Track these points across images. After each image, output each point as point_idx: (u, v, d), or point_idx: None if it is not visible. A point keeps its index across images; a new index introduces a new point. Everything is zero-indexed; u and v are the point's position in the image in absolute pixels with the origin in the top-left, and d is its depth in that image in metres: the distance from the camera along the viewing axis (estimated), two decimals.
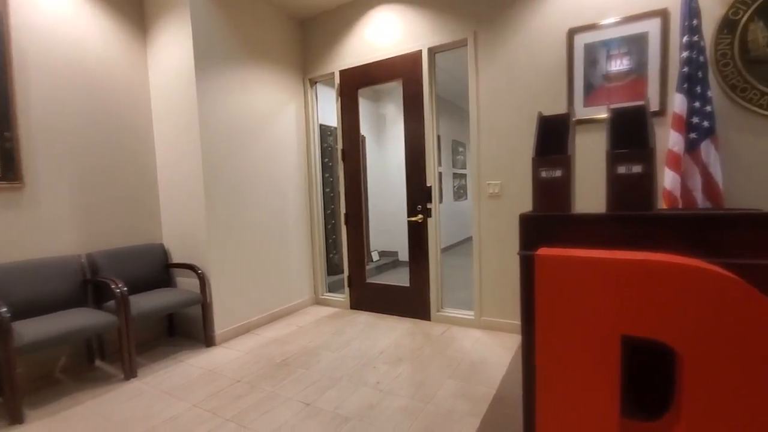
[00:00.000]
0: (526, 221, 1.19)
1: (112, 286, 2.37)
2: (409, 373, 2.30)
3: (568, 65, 2.52)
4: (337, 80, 3.48)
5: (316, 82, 3.72)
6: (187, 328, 3.04)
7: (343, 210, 3.59)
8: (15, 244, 2.34)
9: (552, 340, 0.95)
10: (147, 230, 3.02)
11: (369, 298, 3.50)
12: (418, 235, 3.19)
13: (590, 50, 2.45)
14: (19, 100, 2.36)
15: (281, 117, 3.45)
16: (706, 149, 2.08)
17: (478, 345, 2.65)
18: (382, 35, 3.21)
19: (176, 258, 3.05)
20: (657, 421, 0.86)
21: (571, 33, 2.49)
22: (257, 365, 2.49)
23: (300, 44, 3.66)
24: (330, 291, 3.94)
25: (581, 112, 2.50)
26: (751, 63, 2.07)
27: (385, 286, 3.42)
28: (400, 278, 4.93)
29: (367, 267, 3.70)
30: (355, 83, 3.40)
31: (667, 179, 2.10)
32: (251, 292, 3.16)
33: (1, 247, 2.29)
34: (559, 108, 2.57)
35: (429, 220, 3.13)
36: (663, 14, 2.25)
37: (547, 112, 2.61)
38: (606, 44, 2.41)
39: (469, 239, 8.36)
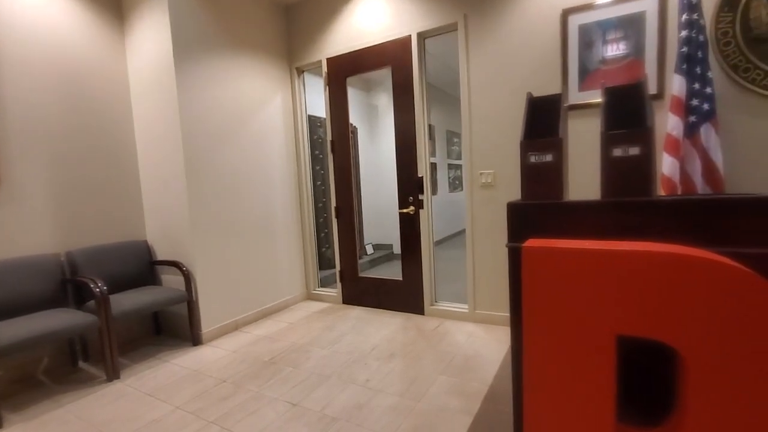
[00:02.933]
0: (513, 210, 1.10)
1: (92, 286, 2.28)
2: (401, 369, 2.23)
3: (562, 48, 2.41)
4: (324, 68, 3.36)
5: (303, 71, 3.60)
6: (173, 327, 2.96)
7: (333, 203, 3.50)
8: None
9: (540, 339, 0.87)
10: (130, 227, 2.92)
11: (361, 292, 3.42)
12: (410, 227, 3.11)
13: (585, 32, 2.34)
14: None
15: (267, 108, 3.34)
16: (706, 133, 1.99)
17: (471, 339, 2.58)
18: (370, 20, 3.09)
19: (161, 255, 2.95)
20: (658, 428, 0.79)
21: (565, 14, 2.38)
22: (244, 364, 2.42)
23: (285, 32, 3.54)
24: (323, 286, 3.86)
25: (576, 96, 2.41)
26: (754, 41, 1.98)
27: (378, 280, 3.34)
28: (394, 272, 4.86)
29: (361, 261, 3.62)
30: (343, 71, 3.28)
31: (666, 165, 2.01)
32: (239, 289, 3.08)
33: None
34: (553, 92, 2.47)
35: (421, 211, 3.04)
36: None
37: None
38: (601, 25, 2.30)
39: (463, 231, 8.28)
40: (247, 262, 3.15)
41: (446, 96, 6.87)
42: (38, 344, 1.99)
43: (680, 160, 1.99)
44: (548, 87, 2.49)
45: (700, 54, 1.97)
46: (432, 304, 3.09)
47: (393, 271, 4.79)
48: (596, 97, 2.34)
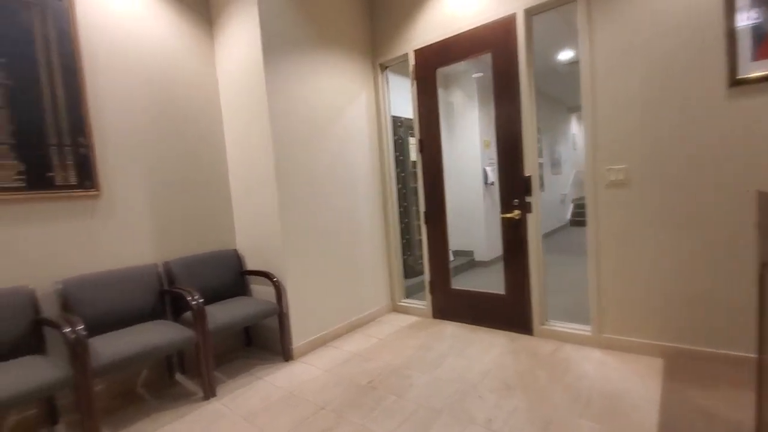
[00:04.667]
0: None
1: (188, 298, 2.20)
2: (526, 407, 1.86)
3: (727, 6, 1.90)
4: (411, 61, 3.09)
5: (386, 67, 3.36)
6: (263, 340, 2.86)
7: (422, 207, 3.21)
8: (92, 254, 2.25)
9: None
10: (220, 235, 2.87)
11: (455, 306, 3.09)
12: (515, 234, 2.72)
13: None
14: (91, 104, 2.26)
15: (352, 107, 3.14)
16: None
17: (605, 371, 2.13)
18: (463, 3, 2.76)
19: (250, 264, 2.87)
20: None
21: None
22: (340, 388, 2.20)
23: (369, 26, 3.33)
24: (407, 297, 3.59)
25: (749, 68, 1.87)
26: None
27: (475, 293, 2.98)
28: (479, 281, 4.46)
29: None
30: (433, 63, 2.99)
31: None
32: (327, 301, 2.90)
33: (79, 258, 2.21)
34: (707, 69, 1.96)
35: (528, 216, 2.63)
36: None
37: (694, 73, 2.01)
38: None
39: (552, 233, 7.59)
40: (334, 271, 2.96)
41: None
42: (140, 361, 1.92)
43: None
44: (702, 61, 1.98)
45: None
46: (543, 324, 2.67)
47: (477, 280, 4.40)
48: None
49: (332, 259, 2.94)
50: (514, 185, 2.68)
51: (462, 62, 2.87)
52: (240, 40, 2.63)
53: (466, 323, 3.03)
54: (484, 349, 2.55)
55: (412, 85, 3.13)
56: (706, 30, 1.97)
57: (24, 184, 2.05)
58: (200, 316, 2.16)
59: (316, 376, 2.37)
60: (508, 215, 2.72)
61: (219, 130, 2.88)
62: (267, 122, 2.54)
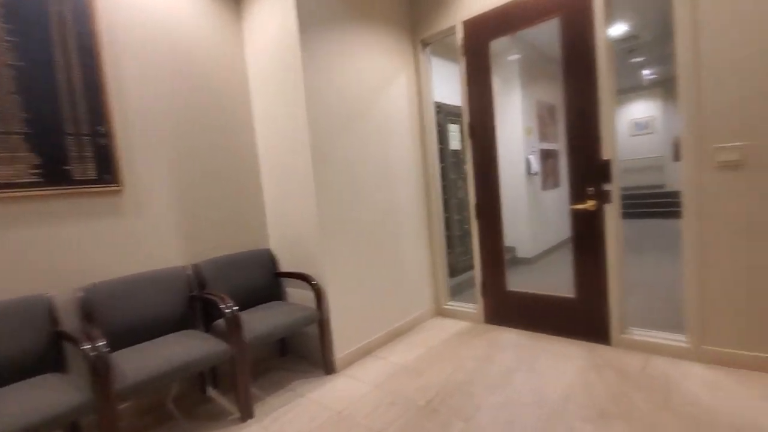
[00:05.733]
0: None
1: (221, 306, 1.93)
2: None
3: None
4: (460, 35, 2.74)
5: (428, 44, 3.02)
6: (301, 348, 2.58)
7: (472, 199, 2.86)
8: (114, 257, 2.01)
9: None
10: (252, 234, 2.60)
11: (512, 310, 2.74)
12: (588, 227, 2.34)
13: None
14: (110, 88, 2.01)
15: (391, 90, 2.81)
16: None
17: (719, 392, 1.75)
18: None
19: (285, 266, 2.59)
20: None
21: None
22: (396, 409, 1.89)
23: None
24: (451, 299, 3.26)
25: None
26: None
27: (537, 296, 2.63)
28: (524, 279, 4.08)
29: None
30: (485, 34, 2.62)
31: None
32: (369, 305, 2.60)
33: (101, 261, 1.97)
34: None
35: (606, 206, 2.26)
36: None
37: None
38: None
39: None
40: (376, 272, 2.66)
41: (544, 60, 5.75)
42: (168, 380, 1.66)
43: None
44: None
45: None
46: (623, 332, 2.29)
47: (521, 278, 4.02)
48: None
49: (373, 258, 2.64)
50: (587, 171, 2.30)
51: (503, 41, 2.46)
52: (272, 17, 2.33)
53: (526, 330, 2.67)
54: (557, 362, 2.20)
55: (461, 61, 2.77)
56: None
57: (41, 179, 1.82)
58: (235, 325, 1.89)
59: (364, 392, 2.07)
60: (581, 206, 2.34)
61: (248, 118, 2.61)
62: (303, 108, 2.24)
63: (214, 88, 2.43)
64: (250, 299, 2.42)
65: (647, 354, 2.18)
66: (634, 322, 2.44)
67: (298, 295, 2.52)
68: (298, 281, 2.49)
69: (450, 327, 2.89)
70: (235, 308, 1.91)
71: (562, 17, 2.29)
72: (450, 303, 3.17)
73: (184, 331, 2.08)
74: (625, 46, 5.63)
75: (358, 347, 2.49)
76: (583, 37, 2.23)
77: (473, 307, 3.00)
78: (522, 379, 2.05)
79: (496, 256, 2.81)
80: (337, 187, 2.40)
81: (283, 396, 2.12)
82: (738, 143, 1.84)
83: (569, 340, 2.46)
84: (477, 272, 2.90)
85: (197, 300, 2.25)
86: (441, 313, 3.17)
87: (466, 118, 2.80)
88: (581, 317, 2.42)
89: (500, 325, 2.81)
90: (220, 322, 2.11)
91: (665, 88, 8.23)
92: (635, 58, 6.32)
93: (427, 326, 2.95)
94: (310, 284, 2.32)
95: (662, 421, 1.61)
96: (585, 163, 2.31)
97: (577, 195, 2.36)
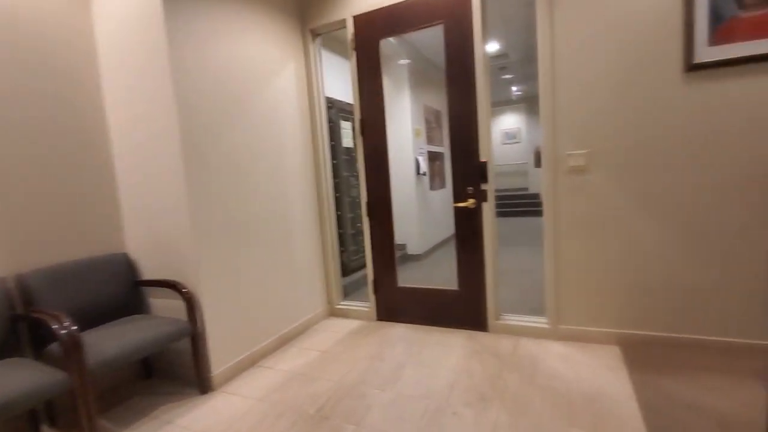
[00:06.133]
0: None
1: (55, 326, 1.53)
2: (509, 422, 1.63)
3: None
4: (350, 29, 2.69)
5: (318, 35, 2.90)
6: (169, 367, 2.23)
7: (364, 198, 2.84)
8: None
9: None
10: (101, 234, 2.15)
11: (403, 305, 2.80)
12: (468, 224, 2.51)
13: None
14: None
15: (279, 80, 2.63)
16: None
17: (573, 366, 2.03)
18: None
19: (149, 273, 2.20)
20: None
21: None
22: (282, 421, 1.74)
23: None
24: (344, 298, 3.21)
25: (706, 53, 1.88)
26: None
27: (425, 290, 2.73)
28: (413, 275, 4.27)
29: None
30: (376, 32, 2.62)
31: None
32: (255, 312, 2.38)
33: None
34: (671, 48, 1.94)
35: (484, 204, 2.45)
36: None
37: (653, 56, 1.98)
38: None
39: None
40: (264, 275, 2.45)
41: (433, 70, 6.15)
42: None
43: None
44: (663, 44, 1.95)
45: None
46: (497, 319, 2.52)
47: (410, 275, 4.19)
48: (736, 52, 1.83)
49: (261, 260, 2.42)
50: (467, 172, 2.47)
51: (395, 45, 2.53)
52: None
53: (416, 324, 2.76)
54: (443, 352, 2.30)
55: (351, 56, 2.73)
56: (666, 13, 1.93)
57: None
58: (73, 349, 1.51)
59: (247, 409, 1.87)
60: (462, 204, 2.50)
61: (96, 99, 2.15)
62: (169, 87, 1.93)
63: (51, 64, 1.93)
64: (100, 315, 2.00)
65: (517, 337, 2.43)
66: (506, 308, 2.71)
67: (165, 306, 2.17)
68: (167, 290, 2.14)
69: (343, 327, 2.83)
70: (73, 328, 1.53)
71: (445, 24, 2.41)
72: (343, 303, 3.11)
73: (6, 360, 1.60)
74: (498, 63, 6.31)
75: (240, 359, 2.25)
76: (464, 46, 2.37)
77: (366, 305, 2.99)
78: (411, 373, 2.09)
79: (388, 253, 2.84)
80: (215, 183, 2.13)
81: (147, 426, 1.79)
82: (583, 151, 2.16)
83: (452, 330, 2.61)
84: (369, 270, 2.90)
85: (22, 321, 1.76)
86: (334, 313, 3.09)
87: (357, 115, 2.77)
88: (463, 308, 2.59)
89: (392, 321, 2.85)
90: (55, 346, 1.68)
91: (529, 103, 9.53)
92: (506, 75, 7.15)
93: (320, 328, 2.84)
94: (181, 293, 2.01)
95: (529, 397, 1.79)
96: (466, 164, 2.47)
97: (459, 194, 2.51)
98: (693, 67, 1.90)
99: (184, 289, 2.01)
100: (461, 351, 2.30)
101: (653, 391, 1.75)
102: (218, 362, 2.12)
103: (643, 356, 2.05)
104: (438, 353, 2.29)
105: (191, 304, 2.00)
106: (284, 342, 2.60)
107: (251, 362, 2.33)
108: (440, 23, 2.42)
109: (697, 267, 2.02)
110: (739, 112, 1.87)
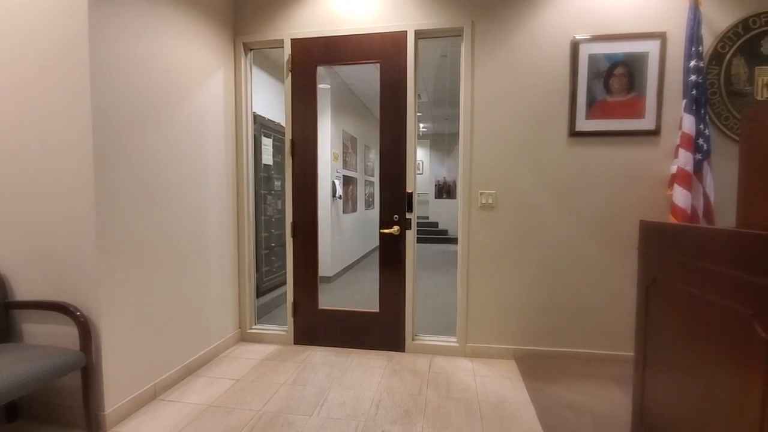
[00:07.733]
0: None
1: None
2: None
3: (572, 73, 2.40)
4: (287, 50, 2.71)
5: (252, 49, 2.85)
6: (46, 407, 1.85)
7: (289, 217, 2.81)
8: None
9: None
10: None
11: (321, 329, 2.79)
12: (393, 250, 2.67)
13: (594, 62, 2.38)
14: None
15: (206, 89, 2.50)
16: (706, 170, 2.17)
17: (480, 379, 2.28)
18: (354, 4, 2.61)
19: (26, 293, 1.83)
20: None
21: (576, 42, 2.38)
22: None
23: None
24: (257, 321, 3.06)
25: (584, 124, 2.41)
26: (733, 95, 2.26)
27: (347, 312, 2.77)
28: (325, 297, 4.26)
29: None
30: (314, 58, 2.69)
31: (679, 196, 2.11)
32: (160, 338, 2.13)
33: None
34: (561, 116, 2.43)
35: (407, 232, 2.64)
36: (662, 37, 2.31)
37: (548, 120, 2.45)
38: (610, 58, 2.36)
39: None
40: (175, 295, 2.22)
41: (363, 109, 6.59)
42: None
43: (692, 192, 2.11)
44: (557, 110, 2.44)
45: (703, 99, 2.15)
46: (413, 339, 2.69)
47: (324, 297, 4.19)
48: (602, 126, 2.38)
49: (169, 279, 2.20)
50: (395, 201, 2.65)
51: (369, 62, 2.63)
52: None
53: (336, 347, 2.77)
54: (365, 374, 2.36)
55: (287, 77, 2.74)
56: (559, 89, 2.43)
57: None
58: None
59: None
60: (388, 230, 2.66)
61: None
62: (86, 82, 1.70)
63: None
64: None
65: (431, 355, 2.62)
66: (421, 329, 2.91)
67: (46, 333, 1.82)
68: (51, 314, 1.80)
69: (257, 353, 2.68)
70: None
71: (382, 64, 2.61)
72: (256, 326, 2.96)
73: None
74: None
75: (140, 392, 1.98)
76: (397, 86, 2.60)
77: (282, 328, 2.90)
78: (335, 396, 2.10)
79: (311, 275, 2.83)
80: (128, 194, 1.91)
81: None
82: (492, 191, 2.52)
83: (371, 351, 2.70)
84: (289, 292, 2.83)
85: None
86: (246, 338, 2.91)
87: (288, 135, 2.76)
88: (383, 329, 2.71)
89: (311, 344, 2.81)
90: None
91: (432, 140, 10.44)
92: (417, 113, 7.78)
93: (232, 355, 2.65)
94: (73, 317, 1.71)
95: (448, 410, 1.96)
96: (394, 193, 2.65)
97: (385, 221, 2.67)
98: (574, 134, 2.41)
99: (78, 312, 1.73)
100: (382, 371, 2.39)
101: (544, 395, 2.08)
102: (115, 397, 1.83)
103: (534, 367, 2.41)
104: (360, 375, 2.35)
105: (85, 329, 1.72)
106: (191, 371, 2.36)
107: (153, 395, 2.06)
108: (377, 62, 2.61)
109: (569, 291, 2.49)
110: (599, 168, 2.42)
